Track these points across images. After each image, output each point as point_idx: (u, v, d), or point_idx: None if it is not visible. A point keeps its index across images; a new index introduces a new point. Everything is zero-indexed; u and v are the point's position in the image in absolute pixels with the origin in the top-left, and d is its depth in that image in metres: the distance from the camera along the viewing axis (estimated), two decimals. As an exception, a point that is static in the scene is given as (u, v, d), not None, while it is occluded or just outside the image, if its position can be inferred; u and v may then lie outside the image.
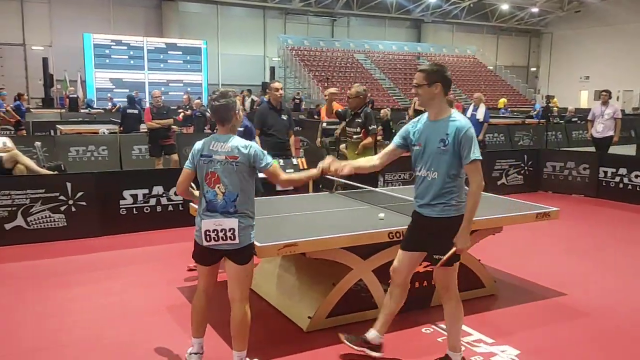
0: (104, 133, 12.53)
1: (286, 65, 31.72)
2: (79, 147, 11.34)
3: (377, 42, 35.38)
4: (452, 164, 3.29)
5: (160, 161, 9.71)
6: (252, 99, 23.13)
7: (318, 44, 33.31)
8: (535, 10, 36.75)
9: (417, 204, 3.46)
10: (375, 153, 5.49)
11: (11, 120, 13.19)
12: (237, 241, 3.28)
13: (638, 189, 8.99)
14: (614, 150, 10.70)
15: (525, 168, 10.02)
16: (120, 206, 6.92)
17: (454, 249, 3.29)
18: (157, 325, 4.26)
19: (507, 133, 15.90)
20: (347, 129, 6.41)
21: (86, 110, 21.08)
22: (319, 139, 9.73)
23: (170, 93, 25.63)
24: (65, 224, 6.60)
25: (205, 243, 3.30)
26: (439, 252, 3.34)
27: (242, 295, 3.38)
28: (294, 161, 6.62)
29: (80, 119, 17.49)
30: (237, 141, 3.31)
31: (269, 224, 4.29)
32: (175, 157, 9.70)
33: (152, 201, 7.07)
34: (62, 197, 6.58)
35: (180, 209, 6.96)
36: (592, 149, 10.74)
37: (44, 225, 6.50)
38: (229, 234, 3.25)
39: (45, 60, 24.15)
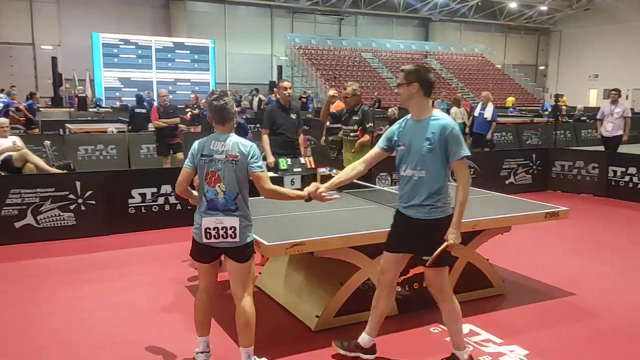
0: (112, 132, 12.59)
1: (293, 64, 31.73)
2: (88, 146, 11.40)
3: (384, 41, 35.31)
4: (438, 162, 3.31)
5: (168, 160, 9.75)
6: (259, 98, 23.15)
7: (325, 42, 33.29)
8: (544, 8, 36.55)
9: (402, 205, 3.46)
10: None
11: (21, 119, 13.28)
12: (238, 239, 3.32)
13: (648, 188, 8.93)
14: (623, 149, 10.62)
15: (534, 167, 9.97)
16: (129, 205, 6.96)
17: (445, 244, 3.31)
18: (165, 324, 4.28)
19: (515, 132, 15.82)
20: (344, 127, 6.35)
21: (95, 109, 21.18)
22: (323, 138, 9.73)
23: (178, 92, 25.71)
24: (75, 222, 6.65)
25: (204, 240, 3.33)
26: (428, 253, 3.35)
27: (246, 291, 3.41)
28: (302, 160, 6.62)
29: (88, 118, 17.59)
30: (237, 139, 3.37)
31: (277, 223, 4.30)
32: (180, 155, 9.72)
33: (161, 200, 7.10)
34: (71, 196, 6.63)
35: (188, 207, 6.98)
36: (602, 148, 10.66)
37: (54, 224, 6.55)
38: (229, 232, 3.30)
39: (54, 60, 24.28)
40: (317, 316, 4.10)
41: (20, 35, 27.08)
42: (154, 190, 7.07)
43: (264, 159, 6.86)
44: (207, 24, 30.94)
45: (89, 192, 6.70)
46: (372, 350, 3.69)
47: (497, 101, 21.00)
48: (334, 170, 5.88)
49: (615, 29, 35.07)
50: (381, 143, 3.59)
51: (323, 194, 3.52)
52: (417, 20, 37.64)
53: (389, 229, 3.57)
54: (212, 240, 3.32)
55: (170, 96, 10.47)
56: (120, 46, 27.31)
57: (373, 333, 3.68)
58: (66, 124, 14.19)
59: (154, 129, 10.26)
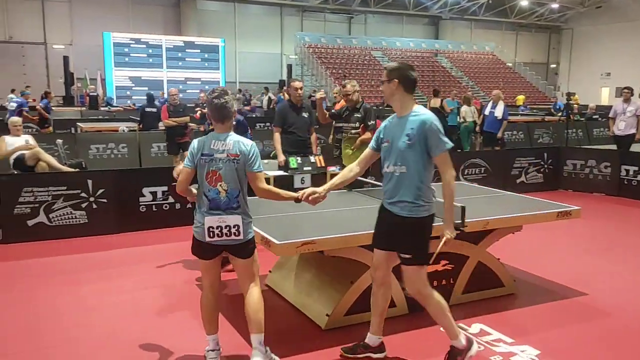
0: (123, 131, 12.67)
1: (303, 63, 31.72)
2: (99, 145, 11.47)
3: (394, 39, 35.21)
4: (419, 158, 3.33)
5: (178, 158, 9.79)
6: (269, 97, 23.18)
7: (335, 41, 33.25)
8: (555, 6, 36.26)
9: (387, 202, 3.47)
10: None
11: (34, 118, 13.41)
12: (242, 237, 3.37)
13: (661, 187, 8.84)
14: (636, 148, 10.51)
15: (545, 166, 9.90)
16: (140, 203, 6.99)
17: (443, 240, 3.39)
18: (175, 322, 4.30)
19: (526, 131, 15.71)
20: (344, 125, 6.28)
21: (106, 108, 21.31)
22: (331, 137, 9.71)
23: (188, 91, 25.80)
24: (87, 220, 6.70)
25: (207, 239, 3.36)
26: (407, 251, 3.37)
27: (254, 280, 3.50)
28: (312, 159, 6.62)
29: (100, 117, 17.70)
30: (237, 138, 3.41)
31: (288, 222, 4.30)
32: (187, 154, 9.75)
33: (171, 198, 7.13)
34: (83, 194, 6.68)
35: (199, 206, 7.00)
36: (614, 146, 10.56)
37: (66, 222, 6.60)
38: (233, 230, 3.34)
39: (66, 59, 24.44)
40: (327, 315, 4.10)
41: (32, 35, 27.30)
42: (165, 188, 7.10)
43: (275, 157, 6.90)
44: (217, 23, 31.02)
45: (100, 191, 6.75)
46: (380, 348, 3.69)
47: (507, 100, 20.86)
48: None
49: (627, 27, 34.71)
50: (372, 143, 3.63)
51: (316, 197, 3.52)
52: (427, 18, 37.48)
53: (375, 225, 3.58)
54: (216, 238, 3.35)
55: (181, 95, 10.51)
56: (131, 45, 27.44)
57: (378, 332, 3.68)
58: (78, 123, 14.30)
59: (164, 128, 10.32)
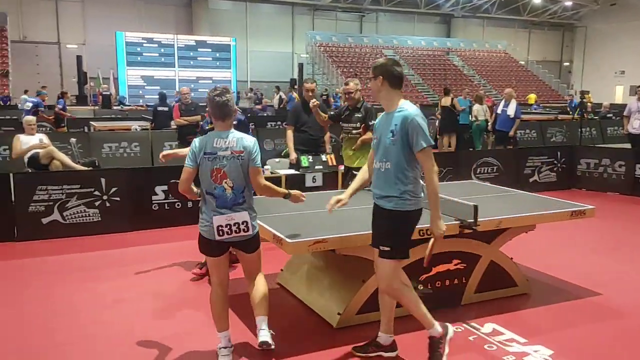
0: (136, 130, 12.75)
1: (314, 62, 31.73)
2: (112, 144, 11.56)
3: (405, 38, 35.10)
4: (403, 154, 3.32)
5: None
6: (280, 96, 23.21)
7: (346, 40, 33.22)
8: (568, 3, 35.93)
9: (375, 197, 3.49)
10: None
11: (50, 117, 13.56)
12: (250, 232, 3.46)
13: (677, 186, 8.73)
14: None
15: (559, 165, 9.82)
16: (153, 201, 7.04)
17: (433, 240, 3.38)
18: (187, 320, 4.32)
19: (539, 129, 15.60)
20: (345, 125, 6.11)
21: (119, 107, 21.46)
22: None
23: (200, 90, 25.85)
24: (100, 218, 6.75)
25: (217, 238, 3.41)
26: (386, 243, 3.38)
27: (260, 270, 3.70)
28: (323, 157, 6.63)
29: (112, 116, 17.82)
30: (239, 135, 3.47)
31: (299, 220, 4.31)
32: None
33: (184, 197, 7.15)
34: (96, 193, 6.73)
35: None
36: (628, 145, 10.45)
37: (79, 220, 6.66)
38: (242, 226, 3.42)
39: (79, 59, 24.66)
40: (338, 313, 4.10)
41: (46, 35, 27.59)
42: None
43: (286, 155, 6.91)
44: (228, 22, 31.12)
45: (113, 189, 6.80)
46: (392, 347, 3.69)
47: (520, 98, 20.73)
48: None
49: (641, 25, 34.34)
50: (373, 142, 3.64)
51: (342, 204, 3.63)
52: (439, 16, 37.32)
53: (371, 224, 3.59)
54: (225, 236, 3.41)
55: (192, 94, 10.55)
56: (144, 45, 27.59)
57: (389, 330, 3.68)
58: (91, 122, 14.42)
59: (175, 127, 10.36)
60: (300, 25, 33.25)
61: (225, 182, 3.39)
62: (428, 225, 3.98)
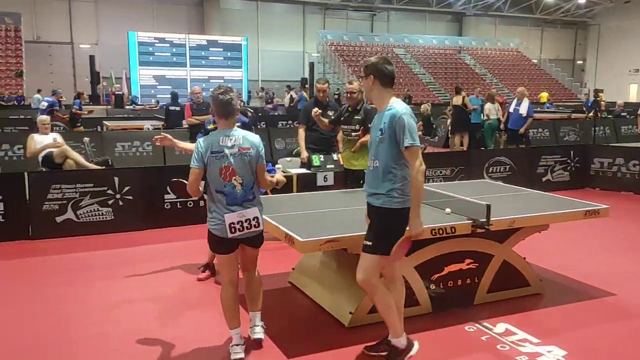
0: (148, 129, 12.83)
1: (325, 61, 31.72)
2: (125, 143, 11.63)
3: (417, 37, 34.97)
4: (391, 152, 3.32)
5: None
6: (291, 95, 23.24)
7: (357, 39, 33.16)
8: (582, 1, 35.57)
9: (367, 194, 3.50)
10: None
11: (64, 117, 13.71)
12: (261, 227, 3.55)
13: (692, 186, 8.62)
14: (666, 145, 10.27)
15: (572, 164, 9.74)
16: (165, 200, 7.07)
17: (404, 236, 3.33)
18: (199, 319, 4.34)
19: (552, 128, 15.48)
20: (344, 126, 5.93)
21: (131, 107, 21.61)
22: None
23: (211, 89, 25.89)
24: (113, 217, 6.80)
25: (230, 235, 3.45)
26: (369, 238, 3.39)
27: (256, 264, 3.80)
28: (334, 156, 6.62)
29: (125, 115, 17.94)
30: (243, 132, 3.58)
31: (311, 219, 4.31)
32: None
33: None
34: (109, 191, 6.78)
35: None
36: (643, 144, 10.35)
37: (93, 219, 6.72)
38: (253, 222, 3.50)
39: (92, 58, 24.86)
40: (350, 313, 4.10)
41: (59, 35, 27.85)
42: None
43: (297, 154, 6.91)
44: (240, 22, 31.21)
45: (126, 188, 6.85)
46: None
47: (532, 97, 20.56)
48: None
49: (656, 23, 33.92)
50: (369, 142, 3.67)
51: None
52: (451, 15, 37.15)
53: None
54: (238, 233, 3.46)
55: (204, 94, 10.59)
56: (156, 44, 27.77)
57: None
58: (104, 121, 14.53)
59: (187, 126, 10.41)
60: (311, 24, 33.25)
61: (235, 179, 3.45)
62: (440, 224, 4.01)
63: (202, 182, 3.59)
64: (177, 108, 12.28)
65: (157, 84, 27.53)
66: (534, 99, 24.13)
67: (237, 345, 3.59)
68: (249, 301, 3.81)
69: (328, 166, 6.58)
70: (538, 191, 5.74)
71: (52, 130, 8.50)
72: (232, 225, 3.43)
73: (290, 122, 16.21)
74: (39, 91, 20.50)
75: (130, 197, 6.87)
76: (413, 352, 3.53)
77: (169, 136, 4.17)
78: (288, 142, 12.36)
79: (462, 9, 35.65)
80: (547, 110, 21.37)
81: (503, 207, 4.54)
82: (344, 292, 4.34)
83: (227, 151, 3.45)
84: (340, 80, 30.33)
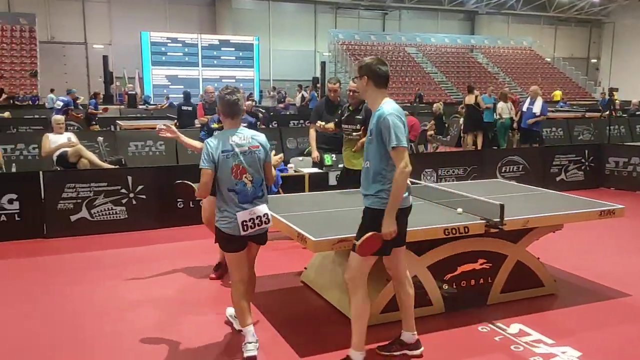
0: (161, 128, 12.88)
1: (337, 60, 31.69)
2: (138, 142, 11.70)
3: (429, 35, 34.82)
4: (379, 153, 3.32)
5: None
6: (302, 95, 23.25)
7: (369, 38, 33.09)
8: (596, -1, 35.24)
9: (362, 196, 3.50)
10: None
11: (79, 116, 13.84)
12: (270, 224, 3.63)
13: None
14: (682, 145, 10.14)
15: (586, 164, 9.65)
16: (178, 199, 7.11)
17: (371, 233, 3.27)
18: (212, 318, 4.35)
19: (565, 127, 15.33)
20: (345, 126, 5.83)
21: (144, 107, 21.74)
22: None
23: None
24: (126, 216, 6.85)
25: (243, 233, 3.52)
26: (357, 236, 3.38)
27: (254, 263, 3.85)
28: (346, 156, 6.60)
29: (138, 115, 18.06)
30: (250, 131, 3.66)
31: (323, 218, 4.31)
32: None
33: (208, 195, 7.21)
34: (123, 191, 6.84)
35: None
36: (659, 143, 10.22)
37: (107, 217, 6.77)
38: (264, 219, 3.58)
39: (105, 58, 25.03)
40: (363, 312, 4.08)
41: (73, 35, 28.10)
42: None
43: (309, 154, 6.92)
44: (251, 21, 31.28)
45: (140, 187, 6.90)
46: (416, 345, 3.67)
47: (545, 96, 20.39)
48: None
49: (672, 20, 33.46)
50: None
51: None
52: (463, 13, 36.93)
53: None
54: (250, 231, 3.53)
55: (216, 93, 10.65)
56: (168, 44, 27.93)
57: (411, 328, 3.67)
58: (117, 121, 14.64)
59: (200, 125, 10.46)
60: (322, 23, 33.24)
61: (245, 177, 3.53)
62: (453, 224, 3.99)
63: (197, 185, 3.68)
64: (189, 108, 12.34)
65: (169, 83, 27.68)
66: (547, 98, 23.93)
67: (250, 342, 3.59)
68: (247, 310, 3.71)
69: (340, 165, 6.57)
70: (552, 191, 5.69)
71: (66, 130, 8.58)
72: (245, 223, 3.50)
73: (301, 121, 16.22)
74: (52, 91, 20.70)
75: (144, 196, 6.92)
76: None
77: (173, 128, 4.28)
78: (300, 142, 12.36)
79: (475, 7, 35.43)
80: (561, 109, 21.17)
81: (517, 206, 4.51)
82: (357, 292, 4.32)
83: (237, 150, 3.52)
84: (351, 79, 30.29)
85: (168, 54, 27.86)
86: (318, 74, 28.11)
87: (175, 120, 12.72)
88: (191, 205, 7.16)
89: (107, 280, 5.16)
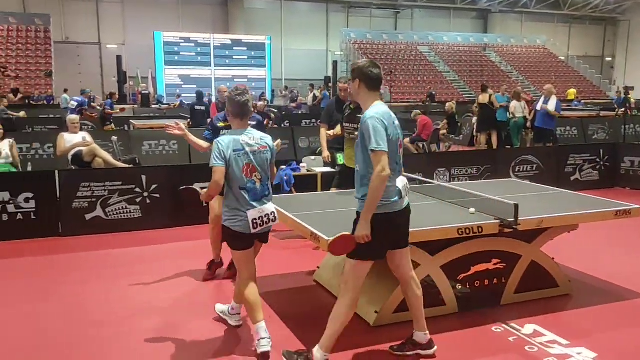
0: (174, 128, 12.97)
1: (349, 60, 31.65)
2: (152, 142, 11.79)
3: (441, 34, 34.69)
4: (363, 156, 3.32)
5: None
6: (314, 94, 23.26)
7: (381, 37, 33.05)
8: (611, -4, 34.87)
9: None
10: None
11: (93, 115, 13.98)
12: (277, 221, 3.73)
13: None
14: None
15: (601, 163, 9.56)
16: (185, 205, 7.12)
17: (341, 233, 3.26)
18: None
19: (580, 126, 15.20)
20: (346, 125, 5.77)
21: (157, 106, 21.89)
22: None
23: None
24: (140, 215, 6.90)
25: (253, 231, 3.61)
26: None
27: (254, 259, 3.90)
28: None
29: (151, 114, 18.19)
30: (258, 132, 3.76)
31: (336, 217, 4.31)
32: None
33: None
34: (137, 190, 6.89)
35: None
36: (675, 143, 10.09)
37: (121, 216, 6.83)
38: (271, 217, 3.70)
39: (119, 58, 25.25)
40: (375, 312, 4.09)
41: (87, 36, 28.39)
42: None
43: (320, 153, 6.92)
44: (264, 21, 31.37)
45: (154, 186, 6.94)
46: (429, 345, 3.66)
47: (559, 94, 20.21)
48: None
49: (690, 17, 33.00)
50: None
51: None
52: (476, 12, 36.74)
53: None
54: (259, 228, 3.63)
55: (226, 94, 10.70)
56: (181, 44, 28.11)
57: (422, 328, 3.66)
58: (131, 120, 14.76)
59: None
60: (334, 22, 33.24)
61: (255, 176, 3.63)
62: (467, 224, 3.98)
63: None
64: (202, 107, 12.42)
65: (182, 83, 27.86)
66: (562, 97, 23.71)
67: (263, 338, 3.60)
68: (257, 308, 3.71)
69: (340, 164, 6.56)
70: (567, 190, 5.64)
71: (81, 129, 8.66)
72: (255, 221, 3.60)
73: (313, 120, 16.25)
74: (65, 91, 20.91)
75: (158, 195, 6.96)
76: None
77: (182, 125, 4.42)
78: (312, 141, 12.37)
79: (488, 5, 35.23)
80: (575, 108, 20.98)
81: (531, 206, 4.47)
82: (369, 291, 4.32)
83: (247, 149, 3.62)
84: (364, 79, 30.22)
85: (181, 53, 28.04)
86: (330, 74, 28.10)
87: (189, 120, 12.82)
88: (204, 204, 7.16)
89: (120, 279, 5.20)
